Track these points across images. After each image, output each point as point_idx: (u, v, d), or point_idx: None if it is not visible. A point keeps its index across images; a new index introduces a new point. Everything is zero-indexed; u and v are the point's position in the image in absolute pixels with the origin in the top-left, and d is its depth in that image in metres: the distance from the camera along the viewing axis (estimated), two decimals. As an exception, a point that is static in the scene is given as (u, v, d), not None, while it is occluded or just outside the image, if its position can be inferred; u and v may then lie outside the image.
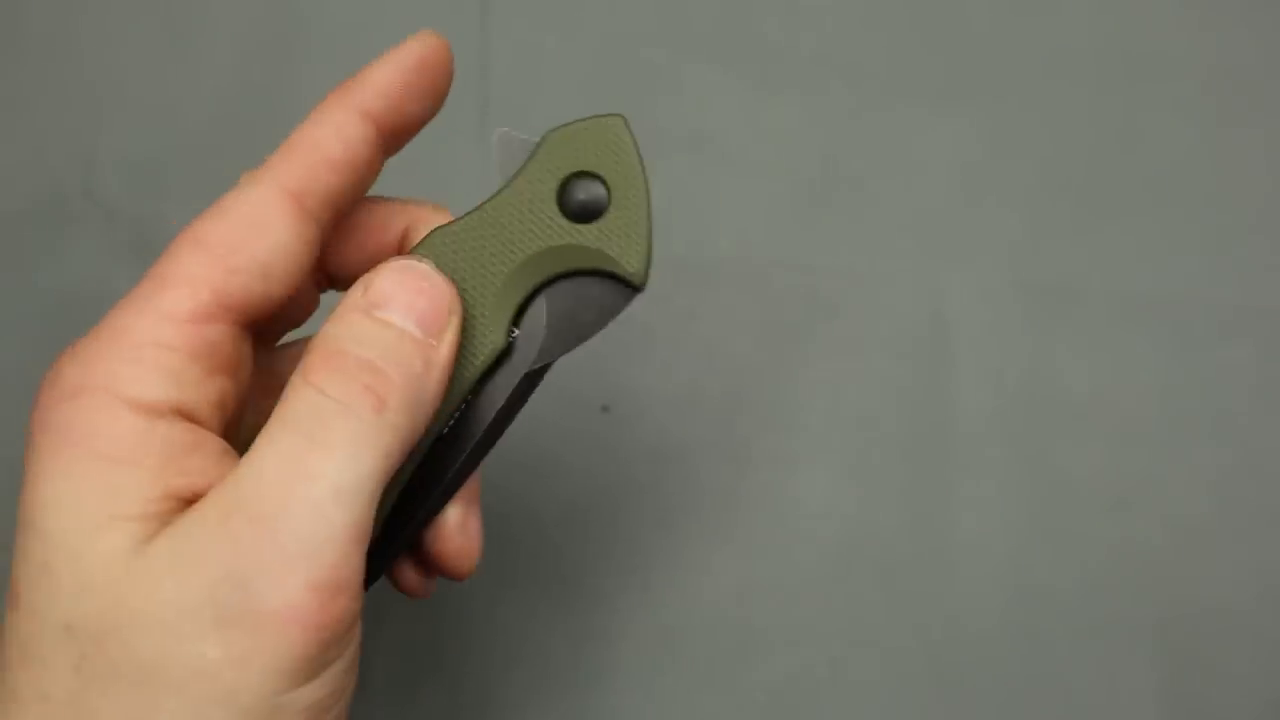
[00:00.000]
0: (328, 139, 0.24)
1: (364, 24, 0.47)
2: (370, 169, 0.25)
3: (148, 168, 0.44)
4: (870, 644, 0.38)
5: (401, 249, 0.27)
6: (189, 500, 0.21)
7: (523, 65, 0.46)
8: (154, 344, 0.22)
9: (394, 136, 0.26)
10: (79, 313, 0.42)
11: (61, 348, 0.41)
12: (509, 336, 0.25)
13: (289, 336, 0.28)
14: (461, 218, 0.26)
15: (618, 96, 0.46)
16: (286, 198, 0.23)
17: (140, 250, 0.43)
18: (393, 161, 0.44)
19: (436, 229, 0.26)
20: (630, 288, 0.26)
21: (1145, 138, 0.45)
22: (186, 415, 0.22)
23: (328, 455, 0.21)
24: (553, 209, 0.25)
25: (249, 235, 0.23)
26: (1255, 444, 0.41)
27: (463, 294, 0.25)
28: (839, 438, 0.41)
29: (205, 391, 0.22)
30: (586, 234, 0.25)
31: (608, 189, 0.25)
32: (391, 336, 0.22)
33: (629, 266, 0.25)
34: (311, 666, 0.20)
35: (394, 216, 0.27)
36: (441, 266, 0.25)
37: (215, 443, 0.22)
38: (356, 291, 0.23)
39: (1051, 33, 0.47)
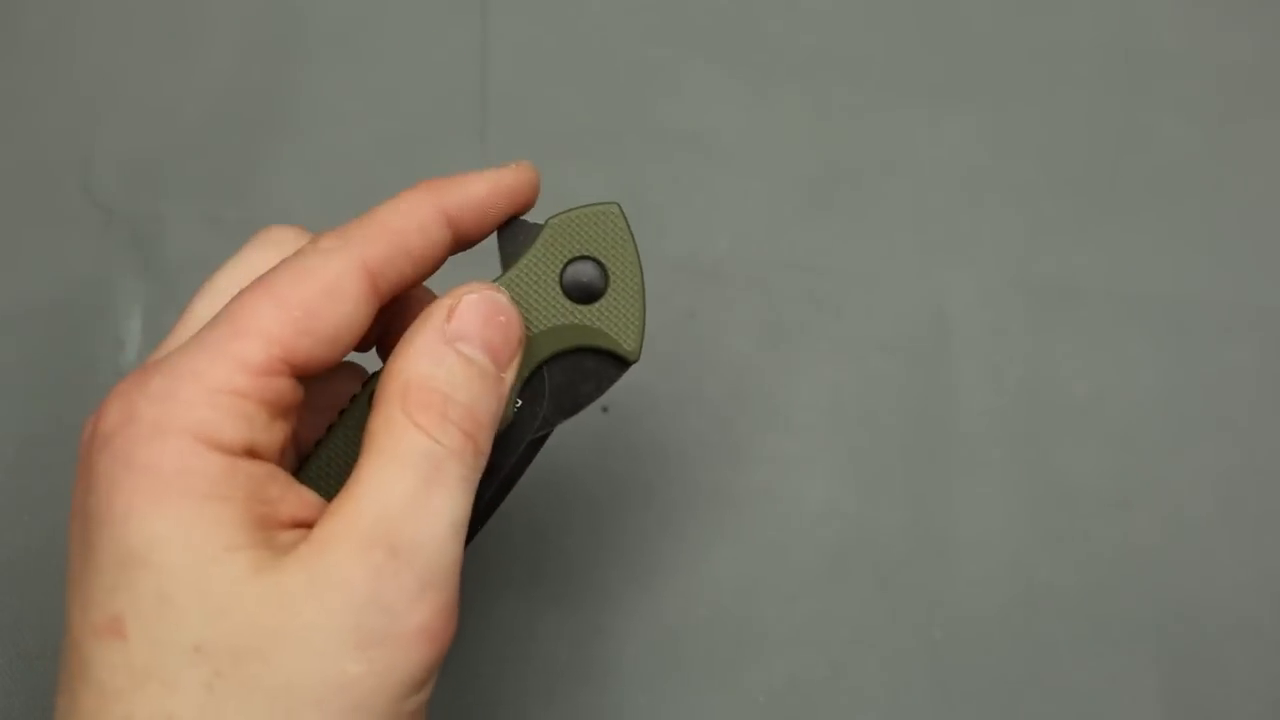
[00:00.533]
0: (412, 231, 0.26)
1: (363, 23, 0.46)
2: (435, 266, 0.27)
3: (145, 166, 0.44)
4: (870, 644, 0.38)
5: (397, 321, 0.29)
6: (270, 524, 0.23)
7: (523, 65, 0.46)
8: (230, 391, 0.23)
9: (462, 245, 0.27)
10: (77, 311, 0.42)
11: (60, 346, 0.41)
12: (514, 407, 0.27)
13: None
14: None
15: (618, 95, 0.46)
16: (365, 274, 0.25)
17: (138, 248, 0.43)
18: (395, 161, 0.45)
19: None
20: (624, 362, 0.28)
21: (1147, 137, 0.45)
22: (257, 454, 0.24)
23: (446, 495, 0.23)
24: (556, 291, 0.27)
25: (326, 303, 0.24)
26: (1256, 443, 0.41)
27: None
28: (839, 438, 0.41)
29: (271, 434, 0.24)
30: (587, 314, 0.27)
31: (605, 273, 0.28)
32: (476, 377, 0.25)
33: (626, 345, 0.28)
34: (431, 674, 0.23)
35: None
36: None
37: (281, 472, 0.24)
38: (440, 316, 0.25)
39: (1053, 32, 0.47)
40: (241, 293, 0.24)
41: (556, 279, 0.27)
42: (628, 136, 0.45)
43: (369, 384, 0.27)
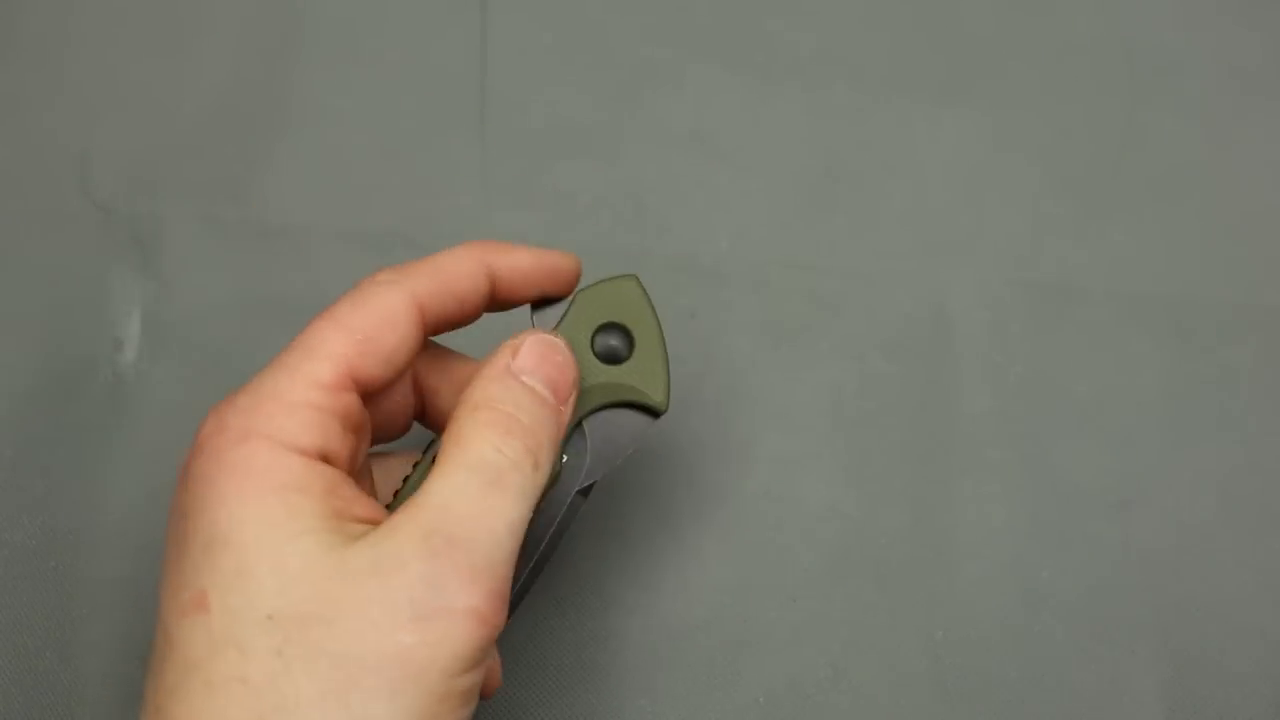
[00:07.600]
0: (461, 276, 0.30)
1: (362, 23, 0.46)
2: (475, 313, 0.31)
3: (144, 166, 0.44)
4: (871, 645, 0.38)
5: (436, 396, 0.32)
6: (343, 516, 0.26)
7: (522, 63, 0.46)
8: (306, 404, 0.27)
9: (498, 303, 0.31)
10: (76, 311, 0.42)
11: (59, 346, 0.41)
12: (562, 461, 0.30)
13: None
14: None
15: (617, 95, 0.46)
16: (415, 305, 0.29)
17: (137, 248, 0.42)
18: (395, 161, 0.45)
19: None
20: (655, 414, 0.32)
21: (1147, 136, 0.45)
22: (329, 461, 0.27)
23: (504, 499, 0.26)
24: (589, 355, 0.31)
25: (383, 329, 0.28)
26: (1257, 443, 0.41)
27: None
28: (839, 438, 0.41)
29: (343, 444, 0.27)
30: (617, 374, 0.31)
31: (630, 336, 0.31)
32: (538, 403, 0.28)
33: (655, 398, 0.31)
34: (479, 656, 0.25)
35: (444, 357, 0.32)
36: None
37: (350, 480, 0.27)
38: (505, 353, 0.28)
39: (1053, 31, 0.47)
40: (310, 322, 0.28)
41: (588, 344, 0.31)
42: (627, 136, 0.45)
43: (430, 448, 0.30)
